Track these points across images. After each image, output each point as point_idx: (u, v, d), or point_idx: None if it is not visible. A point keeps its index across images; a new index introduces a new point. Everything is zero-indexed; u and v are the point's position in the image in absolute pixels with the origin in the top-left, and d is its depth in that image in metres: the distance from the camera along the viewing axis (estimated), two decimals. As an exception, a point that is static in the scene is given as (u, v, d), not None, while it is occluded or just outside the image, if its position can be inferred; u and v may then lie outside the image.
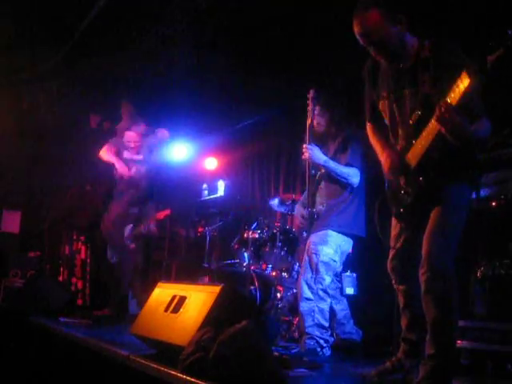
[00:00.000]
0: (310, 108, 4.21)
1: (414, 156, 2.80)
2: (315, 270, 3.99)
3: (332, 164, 4.11)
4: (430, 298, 2.71)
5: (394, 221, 3.09)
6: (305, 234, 5.32)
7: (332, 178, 4.16)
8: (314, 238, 4.12)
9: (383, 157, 3.01)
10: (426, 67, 2.75)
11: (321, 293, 3.98)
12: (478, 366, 3.33)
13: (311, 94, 4.22)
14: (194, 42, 5.66)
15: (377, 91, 3.06)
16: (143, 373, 2.94)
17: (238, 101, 6.97)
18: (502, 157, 3.60)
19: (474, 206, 3.59)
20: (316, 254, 4.01)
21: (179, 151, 8.43)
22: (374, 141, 3.19)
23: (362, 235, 4.18)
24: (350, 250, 4.29)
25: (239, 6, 4.95)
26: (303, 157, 4.12)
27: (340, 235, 4.09)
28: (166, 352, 3.16)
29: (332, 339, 4.05)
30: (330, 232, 4.06)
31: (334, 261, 4.07)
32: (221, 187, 7.94)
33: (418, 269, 2.78)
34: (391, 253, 3.08)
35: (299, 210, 4.57)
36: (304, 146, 4.12)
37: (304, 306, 3.98)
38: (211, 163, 8.64)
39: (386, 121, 3.06)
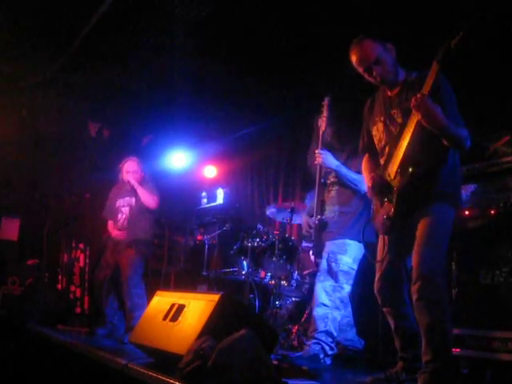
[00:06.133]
0: (324, 115, 4.17)
1: (393, 163, 2.98)
2: (335, 279, 3.97)
3: (344, 169, 4.10)
4: (422, 304, 2.80)
5: (380, 240, 3.20)
6: (304, 244, 5.31)
7: (344, 185, 4.14)
8: (331, 246, 4.08)
9: (368, 178, 3.23)
10: (411, 88, 2.98)
11: (337, 302, 3.95)
12: (478, 374, 3.32)
13: (326, 101, 4.19)
14: (194, 50, 5.68)
15: (372, 119, 3.28)
16: (141, 381, 2.92)
17: (238, 109, 6.99)
18: (502, 165, 3.60)
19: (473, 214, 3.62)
20: (336, 262, 3.99)
21: (178, 159, 8.46)
22: (365, 170, 3.39)
23: (374, 242, 4.16)
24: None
25: (239, 15, 4.97)
26: (316, 162, 4.10)
27: (356, 243, 4.03)
28: (164, 360, 3.14)
29: (336, 350, 4.01)
30: (348, 241, 4.03)
31: (353, 269, 4.04)
32: (220, 195, 7.95)
33: (403, 290, 3.04)
34: (378, 273, 3.17)
35: (305, 218, 4.49)
36: (316, 151, 4.10)
37: (319, 311, 3.93)
38: (210, 171, 8.65)
39: (377, 145, 3.24)
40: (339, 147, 4.24)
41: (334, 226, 4.12)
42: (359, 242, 4.01)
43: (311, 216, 4.34)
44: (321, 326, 3.90)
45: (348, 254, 4.01)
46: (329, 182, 4.27)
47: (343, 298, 3.99)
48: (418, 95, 2.78)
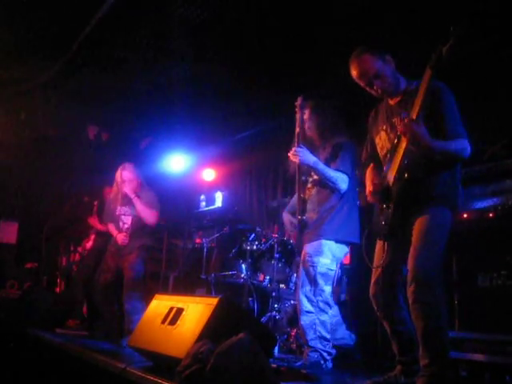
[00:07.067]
0: (298, 116, 4.12)
1: (392, 169, 3.02)
2: (314, 283, 3.91)
3: (321, 166, 4.00)
4: (417, 307, 2.81)
5: (378, 245, 3.20)
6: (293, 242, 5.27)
7: (323, 184, 4.07)
8: (308, 248, 4.02)
9: (368, 186, 3.22)
10: (411, 97, 2.98)
11: (321, 304, 3.90)
12: (477, 377, 3.33)
13: (299, 101, 4.14)
14: (192, 54, 5.68)
15: (376, 128, 3.32)
16: (140, 385, 2.92)
17: (236, 112, 6.99)
18: (499, 168, 3.61)
19: (471, 217, 3.62)
20: (313, 266, 3.93)
21: (177, 162, 8.46)
22: (368, 179, 3.35)
23: (356, 241, 4.08)
24: (343, 257, 4.23)
25: (237, 19, 4.98)
26: (293, 158, 4.01)
27: (334, 243, 3.99)
28: (162, 364, 3.14)
29: (334, 351, 3.99)
30: (324, 241, 3.96)
31: (332, 270, 3.98)
32: (218, 198, 7.96)
33: (398, 295, 3.05)
34: (374, 276, 3.17)
35: (287, 216, 4.42)
36: (293, 148, 4.02)
37: (305, 320, 3.89)
38: (209, 174, 8.65)
39: (380, 153, 3.28)
40: (320, 143, 4.18)
41: (312, 227, 4.04)
42: (336, 241, 3.99)
43: (293, 213, 4.25)
44: (311, 334, 3.87)
45: (324, 255, 3.94)
46: (310, 179, 4.18)
47: (326, 300, 3.93)
48: (406, 120, 2.85)
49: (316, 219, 4.06)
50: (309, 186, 4.20)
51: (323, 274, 3.93)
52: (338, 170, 4.00)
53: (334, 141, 4.12)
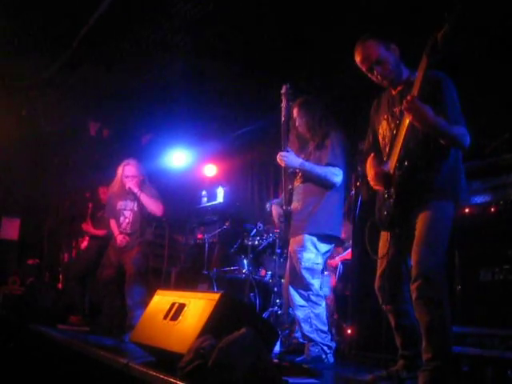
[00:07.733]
0: (283, 104, 4.07)
1: (392, 158, 3.02)
2: (301, 278, 3.91)
3: (307, 166, 4.01)
4: (421, 303, 2.81)
5: (382, 237, 3.20)
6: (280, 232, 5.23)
7: (310, 179, 4.06)
8: (292, 244, 4.03)
9: (370, 173, 3.22)
10: (412, 86, 2.97)
11: (313, 298, 3.91)
12: (479, 372, 3.32)
13: (284, 89, 4.07)
14: (193, 49, 5.67)
15: (378, 118, 3.32)
16: (142, 380, 2.92)
17: (238, 108, 6.98)
18: (501, 162, 3.60)
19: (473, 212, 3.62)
20: (298, 261, 3.93)
21: (179, 158, 8.46)
22: (369, 168, 3.34)
23: (339, 235, 4.11)
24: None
25: (238, 13, 4.97)
26: (279, 162, 4.03)
27: (316, 238, 3.98)
28: (165, 360, 3.15)
29: (334, 344, 4.00)
30: (307, 236, 3.95)
31: (317, 263, 3.98)
32: (220, 194, 7.96)
33: (403, 288, 3.04)
34: (379, 269, 3.17)
35: (275, 208, 4.39)
36: (278, 154, 4.03)
37: (300, 314, 3.92)
38: (210, 170, 8.66)
39: (381, 143, 3.27)
40: (310, 135, 4.17)
41: (296, 218, 4.04)
42: (318, 236, 3.97)
43: (281, 205, 4.21)
44: (307, 327, 3.89)
45: (308, 250, 3.94)
46: (298, 170, 4.15)
47: (317, 293, 3.94)
48: (409, 97, 2.83)
49: (301, 210, 4.05)
50: (298, 176, 4.19)
51: (308, 269, 3.93)
52: (328, 163, 3.98)
53: (322, 131, 4.11)
